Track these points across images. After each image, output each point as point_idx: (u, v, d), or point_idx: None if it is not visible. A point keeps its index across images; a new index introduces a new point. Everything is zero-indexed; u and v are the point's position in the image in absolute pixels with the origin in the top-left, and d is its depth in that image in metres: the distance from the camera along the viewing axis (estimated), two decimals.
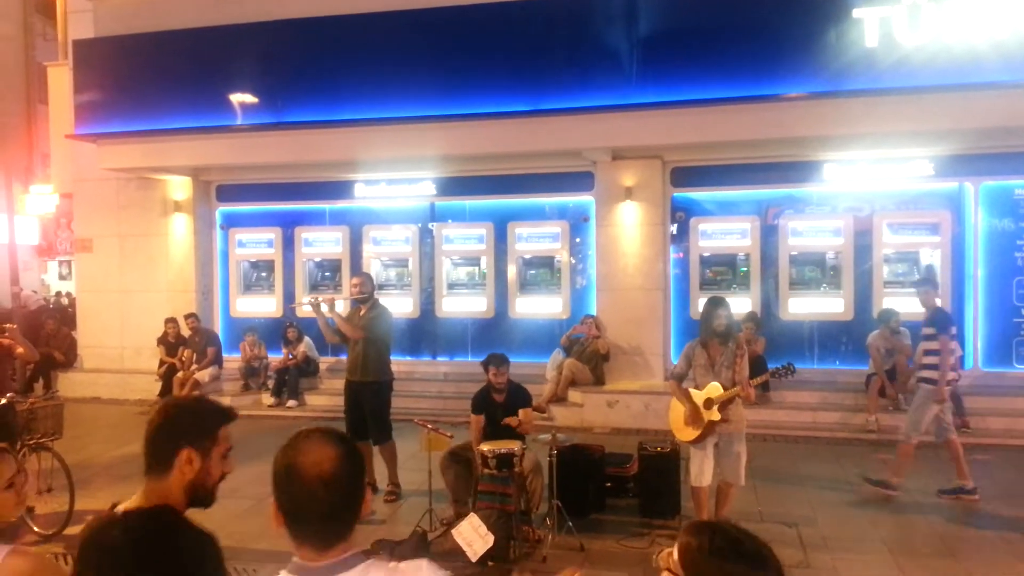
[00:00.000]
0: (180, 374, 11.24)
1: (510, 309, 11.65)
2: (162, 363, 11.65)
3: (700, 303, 8.06)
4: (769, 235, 10.79)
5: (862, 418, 9.35)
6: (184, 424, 2.05)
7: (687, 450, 5.97)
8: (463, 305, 11.97)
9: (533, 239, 11.67)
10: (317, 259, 12.66)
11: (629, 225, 10.83)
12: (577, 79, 9.71)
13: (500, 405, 6.37)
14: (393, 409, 7.25)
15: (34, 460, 6.37)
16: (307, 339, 11.55)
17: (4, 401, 6.05)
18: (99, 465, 8.13)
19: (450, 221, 12.05)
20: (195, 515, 2.04)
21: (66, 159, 13.78)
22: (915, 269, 10.46)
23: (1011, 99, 8.55)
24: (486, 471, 5.70)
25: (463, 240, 12.04)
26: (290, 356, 11.47)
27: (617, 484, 6.73)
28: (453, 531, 5.20)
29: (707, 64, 9.28)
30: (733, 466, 5.76)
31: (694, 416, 5.71)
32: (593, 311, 11.00)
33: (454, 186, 11.81)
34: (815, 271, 10.87)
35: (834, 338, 10.64)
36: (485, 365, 6.44)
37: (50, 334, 12.93)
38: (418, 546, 5.53)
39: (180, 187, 12.56)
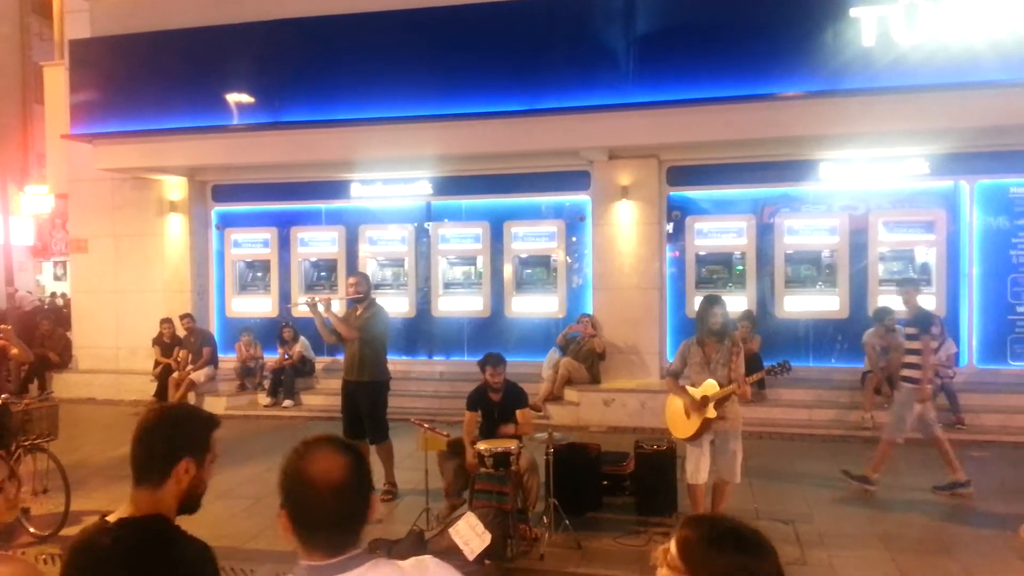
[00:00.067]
0: (176, 375, 11.20)
1: (506, 308, 11.65)
2: (157, 364, 11.61)
3: (696, 301, 8.06)
4: (765, 234, 10.81)
5: (857, 415, 9.39)
6: (183, 434, 2.04)
7: (683, 448, 5.97)
8: (459, 304, 11.96)
9: (529, 238, 11.65)
10: (313, 259, 12.63)
11: (625, 224, 10.83)
12: (573, 78, 9.71)
13: (496, 404, 6.38)
14: (389, 408, 7.26)
15: (30, 461, 6.38)
16: (303, 339, 11.54)
17: None
18: (95, 466, 8.11)
19: (446, 220, 12.04)
20: (192, 518, 2.04)
21: (61, 159, 13.71)
22: (910, 267, 10.50)
23: (1008, 98, 8.57)
24: (483, 470, 5.70)
25: (459, 239, 12.03)
26: (286, 356, 11.45)
27: (613, 482, 6.74)
28: (450, 530, 5.19)
29: (703, 63, 9.28)
30: (729, 464, 5.77)
31: (695, 405, 5.71)
32: (589, 310, 11.00)
33: (450, 185, 11.81)
34: (811, 269, 10.89)
35: (829, 336, 10.67)
36: (482, 365, 6.45)
37: (45, 335, 12.88)
38: (415, 545, 5.52)
39: (176, 187, 12.54)
